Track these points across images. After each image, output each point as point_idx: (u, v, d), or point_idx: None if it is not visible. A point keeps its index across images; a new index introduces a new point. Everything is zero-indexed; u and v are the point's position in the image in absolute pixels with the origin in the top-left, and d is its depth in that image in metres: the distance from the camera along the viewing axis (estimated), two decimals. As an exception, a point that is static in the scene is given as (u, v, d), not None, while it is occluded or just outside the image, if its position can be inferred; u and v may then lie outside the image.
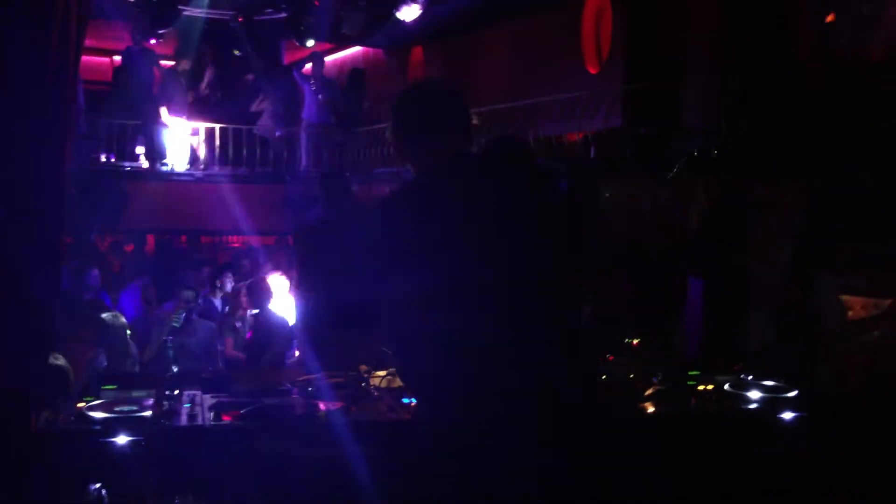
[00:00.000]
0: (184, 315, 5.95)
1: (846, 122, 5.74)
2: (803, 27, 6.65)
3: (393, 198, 2.31)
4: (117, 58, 11.51)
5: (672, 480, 2.75)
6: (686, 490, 2.74)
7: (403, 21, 9.50)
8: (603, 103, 8.18)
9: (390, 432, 2.74)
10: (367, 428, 2.73)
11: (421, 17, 9.42)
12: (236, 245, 11.70)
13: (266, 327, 5.99)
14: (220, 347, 6.23)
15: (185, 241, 10.58)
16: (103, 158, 10.84)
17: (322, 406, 2.84)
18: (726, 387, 3.13)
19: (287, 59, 13.55)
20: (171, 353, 5.16)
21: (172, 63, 11.64)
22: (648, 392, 3.04)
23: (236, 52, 11.34)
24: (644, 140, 7.79)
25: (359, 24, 10.21)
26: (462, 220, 2.11)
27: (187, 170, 11.05)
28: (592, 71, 9.37)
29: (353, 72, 12.39)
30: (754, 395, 3.04)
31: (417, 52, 12.50)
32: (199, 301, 6.51)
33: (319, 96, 11.35)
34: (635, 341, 3.54)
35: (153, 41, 10.28)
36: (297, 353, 5.55)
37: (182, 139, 11.07)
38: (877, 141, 5.33)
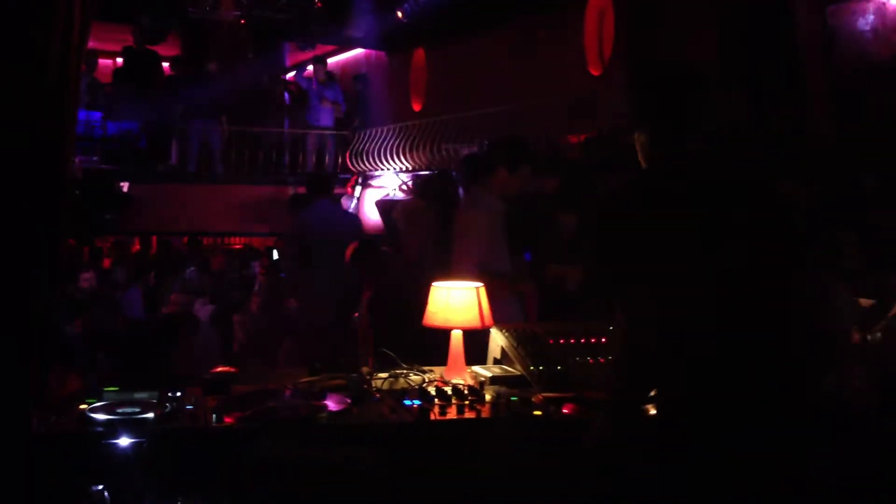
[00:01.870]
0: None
1: (848, 123, 5.73)
2: (805, 27, 6.64)
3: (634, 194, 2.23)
4: (120, 60, 11.54)
5: (672, 482, 2.74)
6: (686, 492, 2.73)
7: (406, 22, 9.52)
8: (605, 105, 8.17)
9: (393, 434, 2.74)
10: (370, 430, 2.74)
11: (423, 18, 9.44)
12: (237, 247, 11.72)
13: None
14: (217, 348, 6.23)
15: (186, 243, 10.59)
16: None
17: (324, 408, 2.84)
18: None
19: (290, 61, 13.58)
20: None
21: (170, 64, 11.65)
22: (651, 394, 3.02)
23: (250, 56, 11.37)
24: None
25: (361, 27, 10.23)
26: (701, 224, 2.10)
27: (192, 171, 11.07)
28: (595, 72, 9.36)
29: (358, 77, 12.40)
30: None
31: (420, 54, 12.51)
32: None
33: (322, 99, 11.37)
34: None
35: (154, 42, 10.31)
36: None
37: (187, 140, 11.10)
38: (879, 143, 5.31)
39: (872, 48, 5.91)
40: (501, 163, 4.44)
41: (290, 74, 13.47)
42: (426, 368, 3.32)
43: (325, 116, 11.49)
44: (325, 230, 5.89)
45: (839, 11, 6.19)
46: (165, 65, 11.87)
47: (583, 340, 3.42)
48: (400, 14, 9.97)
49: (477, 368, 3.36)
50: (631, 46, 8.69)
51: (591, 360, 3.30)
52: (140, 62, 10.81)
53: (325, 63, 11.82)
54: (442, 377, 3.22)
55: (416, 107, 12.59)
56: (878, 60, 5.86)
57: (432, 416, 2.78)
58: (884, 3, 5.79)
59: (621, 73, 8.72)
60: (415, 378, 3.21)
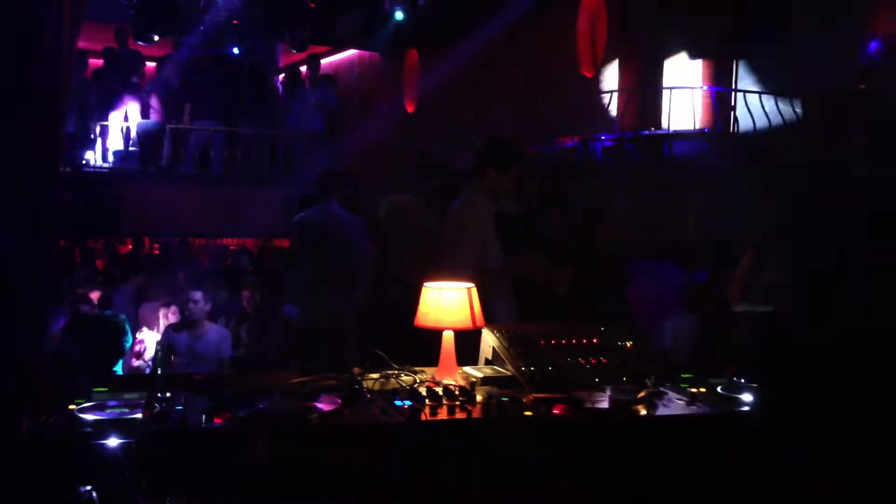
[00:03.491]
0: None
1: (842, 122, 5.73)
2: (801, 31, 6.65)
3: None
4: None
5: (665, 482, 2.75)
6: (679, 492, 2.74)
7: (399, 23, 9.52)
8: (599, 107, 8.20)
9: (384, 435, 2.73)
10: (361, 430, 2.73)
11: (417, 20, 9.44)
12: (233, 248, 11.68)
13: None
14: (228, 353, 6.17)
15: (177, 244, 10.53)
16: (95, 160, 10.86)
17: (315, 408, 2.83)
18: (719, 389, 3.14)
19: (283, 61, 13.56)
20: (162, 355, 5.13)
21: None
22: (641, 395, 3.04)
23: (235, 51, 11.30)
24: (639, 143, 7.81)
25: (354, 27, 10.22)
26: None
27: (181, 171, 11.04)
28: (588, 75, 9.38)
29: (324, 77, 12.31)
30: (747, 397, 3.04)
31: (413, 56, 12.51)
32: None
33: (312, 100, 11.36)
34: (629, 343, 3.54)
35: (145, 42, 10.28)
36: None
37: (177, 140, 11.08)
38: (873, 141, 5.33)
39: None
40: (492, 164, 4.46)
41: (282, 77, 13.45)
42: (417, 369, 3.32)
43: (317, 118, 11.47)
44: (330, 231, 5.80)
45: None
46: (151, 64, 11.83)
47: (574, 341, 3.43)
48: (397, 15, 9.96)
49: (468, 369, 3.36)
50: (623, 48, 8.71)
51: (582, 361, 3.32)
52: (122, 62, 10.79)
53: (319, 63, 11.79)
54: (433, 378, 3.21)
55: (410, 108, 12.59)
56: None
57: (423, 417, 2.77)
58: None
59: (614, 75, 8.73)
60: (406, 379, 3.20)
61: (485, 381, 3.23)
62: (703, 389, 3.14)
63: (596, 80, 9.12)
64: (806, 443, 2.35)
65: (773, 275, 2.65)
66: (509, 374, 3.25)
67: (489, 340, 3.44)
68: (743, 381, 3.23)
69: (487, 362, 3.45)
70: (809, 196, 2.62)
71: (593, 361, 3.34)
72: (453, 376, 3.22)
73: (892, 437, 2.28)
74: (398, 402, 2.86)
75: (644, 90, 8.26)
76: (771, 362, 2.46)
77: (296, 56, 12.26)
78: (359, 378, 3.16)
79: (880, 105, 2.71)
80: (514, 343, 3.34)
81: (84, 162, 10.70)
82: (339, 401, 2.91)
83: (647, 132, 7.82)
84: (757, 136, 7.15)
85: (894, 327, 2.31)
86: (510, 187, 4.53)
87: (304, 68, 12.02)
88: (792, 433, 2.35)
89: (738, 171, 6.07)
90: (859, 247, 2.42)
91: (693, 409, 2.97)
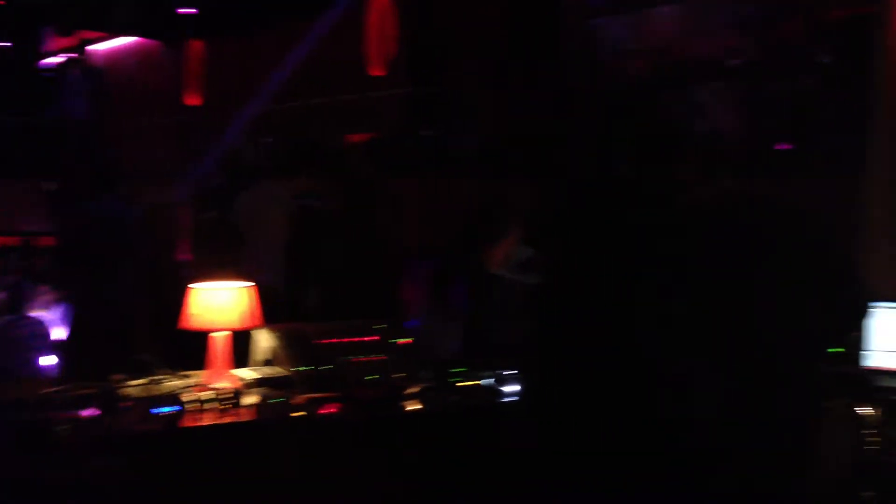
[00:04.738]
0: None
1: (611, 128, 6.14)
2: (571, 36, 7.04)
3: None
4: None
5: (433, 476, 2.82)
6: (445, 484, 2.82)
7: (184, 13, 9.14)
8: (386, 106, 8.28)
9: (139, 445, 2.60)
10: (114, 441, 2.58)
11: (205, 9, 9.11)
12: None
13: None
14: None
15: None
16: None
17: (69, 418, 2.64)
18: (486, 382, 3.26)
19: (49, 46, 12.63)
20: None
21: None
22: (413, 390, 3.09)
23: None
24: (424, 142, 7.99)
25: (131, 11, 9.70)
26: None
27: None
28: (377, 73, 9.45)
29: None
30: (511, 389, 3.18)
31: (198, 47, 12.03)
32: None
33: (79, 88, 10.69)
34: (406, 341, 3.60)
35: None
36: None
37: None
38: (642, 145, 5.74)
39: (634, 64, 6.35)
40: (295, 161, 4.48)
41: (46, 62, 12.50)
42: (187, 373, 3.18)
43: (84, 108, 10.80)
44: (112, 227, 5.40)
45: (604, 25, 6.62)
46: None
47: (351, 340, 3.43)
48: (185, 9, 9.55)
49: (243, 371, 3.26)
50: (411, 49, 8.86)
51: (359, 360, 3.32)
52: None
53: (84, 51, 11.11)
54: (201, 382, 3.08)
55: (193, 101, 12.10)
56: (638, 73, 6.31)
57: (184, 423, 2.66)
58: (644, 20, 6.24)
59: (401, 76, 8.86)
60: (172, 384, 3.05)
61: (261, 382, 3.15)
62: (472, 383, 3.24)
63: (388, 78, 9.20)
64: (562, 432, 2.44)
65: (530, 251, 2.76)
66: (286, 374, 3.20)
67: (267, 340, 3.37)
68: (510, 373, 3.36)
69: (268, 363, 3.38)
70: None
71: (370, 359, 3.36)
72: (226, 379, 3.11)
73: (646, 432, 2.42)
74: (156, 410, 2.72)
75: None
76: (529, 353, 2.54)
77: (65, 41, 11.44)
78: (118, 385, 2.98)
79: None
80: (290, 343, 3.29)
81: None
82: (97, 411, 2.72)
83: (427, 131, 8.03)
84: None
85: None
86: (312, 186, 4.55)
87: (73, 54, 11.24)
88: (547, 423, 2.44)
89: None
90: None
91: (459, 403, 3.07)
